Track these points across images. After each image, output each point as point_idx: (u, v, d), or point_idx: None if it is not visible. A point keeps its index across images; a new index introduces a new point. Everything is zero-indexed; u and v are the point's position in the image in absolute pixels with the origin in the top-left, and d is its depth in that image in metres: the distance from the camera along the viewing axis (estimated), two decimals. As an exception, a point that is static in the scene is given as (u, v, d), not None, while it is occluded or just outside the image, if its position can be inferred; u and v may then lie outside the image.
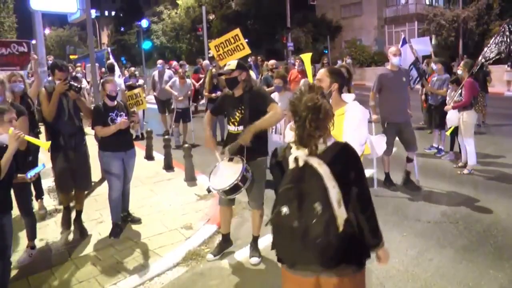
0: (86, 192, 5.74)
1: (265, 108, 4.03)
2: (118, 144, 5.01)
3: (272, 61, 9.90)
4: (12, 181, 3.52)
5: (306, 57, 2.57)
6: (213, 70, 9.68)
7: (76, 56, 34.13)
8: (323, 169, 2.07)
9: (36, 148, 5.27)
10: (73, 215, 5.26)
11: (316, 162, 2.09)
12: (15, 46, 5.98)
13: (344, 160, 2.17)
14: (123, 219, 5.34)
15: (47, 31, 48.37)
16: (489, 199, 5.77)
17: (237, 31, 7.27)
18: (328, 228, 2.02)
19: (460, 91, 7.04)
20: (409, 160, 6.38)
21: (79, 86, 4.95)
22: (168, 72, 11.69)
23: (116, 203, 5.09)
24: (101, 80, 5.45)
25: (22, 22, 12.28)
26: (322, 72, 3.59)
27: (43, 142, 3.61)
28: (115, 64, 11.64)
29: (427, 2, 34.93)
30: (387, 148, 5.79)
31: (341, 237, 2.05)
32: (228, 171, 3.96)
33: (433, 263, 4.14)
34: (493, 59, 7.36)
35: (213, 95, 9.34)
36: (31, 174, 3.52)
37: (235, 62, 4.24)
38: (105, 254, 4.56)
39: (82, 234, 5.06)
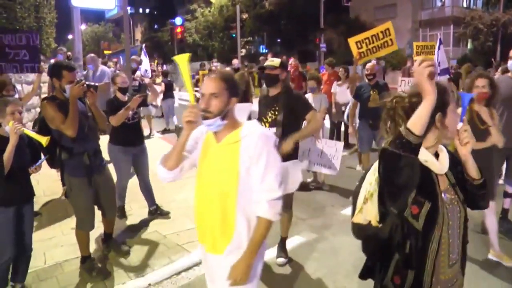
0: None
1: (304, 115, 3.99)
2: (128, 139, 5.15)
3: (372, 62, 6.91)
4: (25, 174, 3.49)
5: (181, 59, 1.97)
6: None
7: (110, 52, 34.99)
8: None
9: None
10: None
11: None
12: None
13: None
14: (151, 213, 5.45)
15: (83, 27, 49.71)
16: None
17: (389, 24, 6.63)
18: None
19: None
20: (508, 195, 5.00)
21: (96, 84, 4.11)
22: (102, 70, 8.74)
23: (122, 189, 5.33)
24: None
25: (61, 18, 12.65)
26: (214, 79, 2.16)
27: (41, 137, 3.32)
28: (144, 59, 11.63)
29: (465, 5, 34.00)
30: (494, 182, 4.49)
31: None
32: None
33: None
34: None
35: None
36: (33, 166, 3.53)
37: (278, 60, 4.12)
38: (134, 245, 4.63)
39: (115, 250, 4.48)
